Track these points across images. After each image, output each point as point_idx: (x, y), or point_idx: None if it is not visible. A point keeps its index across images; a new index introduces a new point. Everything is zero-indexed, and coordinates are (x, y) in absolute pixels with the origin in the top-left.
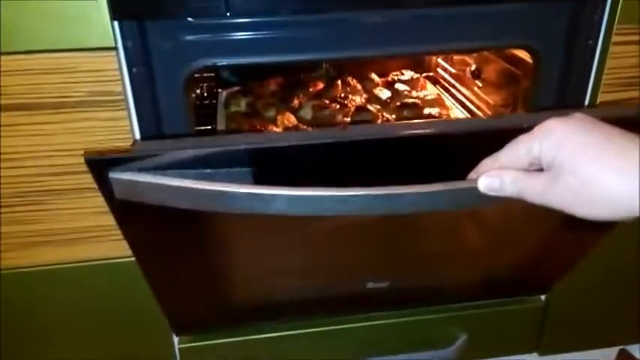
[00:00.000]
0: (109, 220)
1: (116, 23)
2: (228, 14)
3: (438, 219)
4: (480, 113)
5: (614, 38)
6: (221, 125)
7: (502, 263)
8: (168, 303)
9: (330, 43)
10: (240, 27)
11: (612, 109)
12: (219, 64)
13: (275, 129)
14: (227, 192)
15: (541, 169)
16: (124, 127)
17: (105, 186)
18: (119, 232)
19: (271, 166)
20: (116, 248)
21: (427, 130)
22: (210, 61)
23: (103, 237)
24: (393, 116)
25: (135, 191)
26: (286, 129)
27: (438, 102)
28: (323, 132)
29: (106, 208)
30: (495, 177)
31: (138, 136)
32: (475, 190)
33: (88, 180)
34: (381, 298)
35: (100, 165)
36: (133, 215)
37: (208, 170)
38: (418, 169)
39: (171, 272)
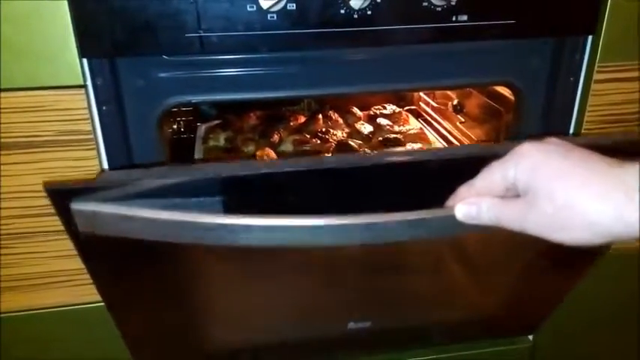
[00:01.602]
0: (77, 264)
1: (85, 60)
2: (202, 51)
3: (418, 255)
4: None
5: (596, 76)
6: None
7: (486, 298)
8: (139, 348)
9: (310, 81)
10: (216, 64)
11: (600, 138)
12: (194, 101)
13: None
14: (192, 222)
15: (518, 195)
16: (93, 167)
17: (67, 218)
18: (86, 276)
19: (241, 194)
20: (84, 293)
21: (402, 158)
22: (184, 99)
23: (70, 282)
24: (375, 152)
25: (98, 223)
26: None
27: (420, 136)
28: (295, 161)
29: (74, 252)
30: (472, 205)
31: None
32: (453, 218)
33: (57, 222)
34: (364, 340)
35: (61, 196)
36: (98, 251)
37: (177, 200)
38: (394, 198)
39: (140, 313)
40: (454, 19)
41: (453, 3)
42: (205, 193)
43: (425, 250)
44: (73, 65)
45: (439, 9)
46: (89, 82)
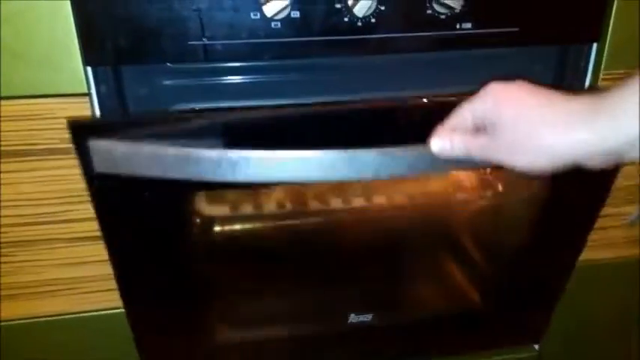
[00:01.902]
0: (76, 272)
1: (89, 68)
2: (206, 59)
3: (417, 238)
4: None
5: (602, 83)
6: None
7: (485, 288)
8: (142, 325)
9: (314, 88)
10: (220, 71)
11: None
12: (198, 108)
13: None
14: (196, 155)
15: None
16: None
17: (85, 156)
18: (85, 285)
19: (240, 136)
20: (83, 302)
21: (387, 104)
22: (188, 106)
23: (69, 290)
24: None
25: (112, 159)
26: None
27: None
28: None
29: (72, 260)
30: (445, 139)
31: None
32: (429, 151)
33: (56, 230)
34: (365, 350)
35: (82, 131)
36: (111, 195)
37: (184, 141)
38: (380, 138)
39: (147, 277)
40: (458, 27)
41: (457, 11)
42: (209, 134)
43: (423, 232)
44: (76, 73)
45: (443, 17)
46: (93, 90)
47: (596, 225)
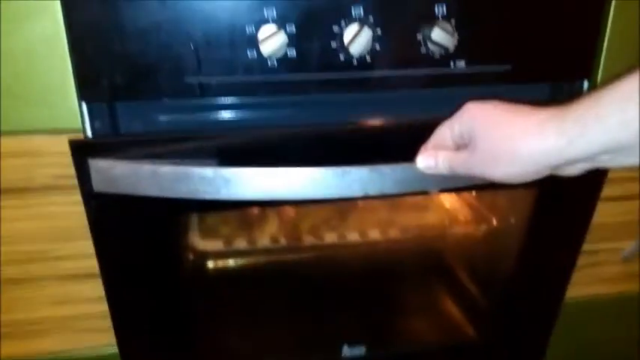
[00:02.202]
0: (66, 310)
1: (84, 104)
2: (202, 95)
3: (410, 265)
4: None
5: None
6: None
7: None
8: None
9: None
10: (216, 107)
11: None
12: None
13: None
14: (191, 172)
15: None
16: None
17: (84, 175)
18: (80, 323)
19: (233, 156)
20: (78, 340)
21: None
22: None
23: (65, 328)
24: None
25: (110, 178)
26: None
27: None
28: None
29: (67, 298)
30: (430, 156)
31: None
32: (415, 170)
33: (48, 268)
34: None
35: (82, 150)
36: (107, 214)
37: (179, 160)
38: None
39: (136, 295)
40: (452, 65)
41: (451, 50)
42: (204, 154)
43: (415, 264)
44: (71, 109)
45: (437, 56)
46: (88, 126)
47: (594, 260)
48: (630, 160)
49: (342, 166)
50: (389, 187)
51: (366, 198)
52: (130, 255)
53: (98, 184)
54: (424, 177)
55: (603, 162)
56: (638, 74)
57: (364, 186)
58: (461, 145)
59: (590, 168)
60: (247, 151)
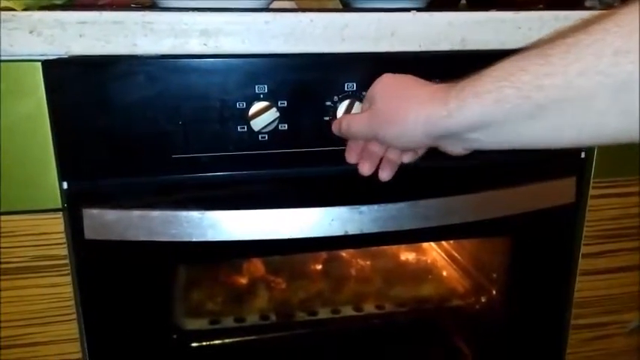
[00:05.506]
0: None
1: (65, 183)
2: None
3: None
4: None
5: (592, 192)
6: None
7: None
8: None
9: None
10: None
11: None
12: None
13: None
14: (179, 215)
15: None
16: (66, 294)
17: (77, 223)
18: None
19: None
20: None
21: None
22: None
23: None
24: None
25: (102, 225)
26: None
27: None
28: None
29: None
30: (336, 122)
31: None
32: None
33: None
34: None
35: (76, 198)
36: (97, 263)
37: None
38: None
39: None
40: None
41: None
42: (191, 200)
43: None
44: (52, 188)
45: None
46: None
47: (600, 333)
48: (501, 138)
49: (324, 206)
50: (368, 227)
51: (346, 237)
52: (117, 305)
53: (90, 232)
54: (401, 216)
55: (478, 141)
56: (518, 56)
57: (344, 225)
58: (365, 109)
59: (469, 148)
60: (232, 196)
